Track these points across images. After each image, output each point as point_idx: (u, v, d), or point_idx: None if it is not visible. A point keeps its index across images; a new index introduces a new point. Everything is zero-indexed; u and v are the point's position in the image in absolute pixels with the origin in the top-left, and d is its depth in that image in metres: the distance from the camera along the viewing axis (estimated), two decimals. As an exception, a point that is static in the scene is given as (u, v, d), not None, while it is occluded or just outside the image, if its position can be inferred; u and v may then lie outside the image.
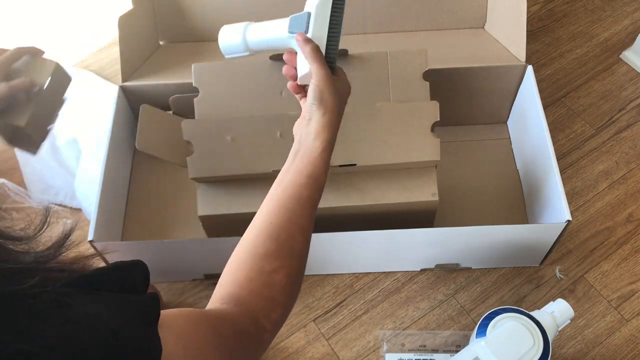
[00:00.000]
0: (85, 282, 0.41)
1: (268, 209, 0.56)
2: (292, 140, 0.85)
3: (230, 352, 0.46)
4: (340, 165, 0.86)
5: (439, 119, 0.86)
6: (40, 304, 0.36)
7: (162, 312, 0.42)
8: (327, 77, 0.61)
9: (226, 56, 0.74)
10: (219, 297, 0.52)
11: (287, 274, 0.53)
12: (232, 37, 0.72)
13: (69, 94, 0.79)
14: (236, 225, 0.90)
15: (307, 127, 0.61)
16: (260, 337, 0.50)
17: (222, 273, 0.54)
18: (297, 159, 0.59)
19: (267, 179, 0.87)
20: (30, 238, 0.40)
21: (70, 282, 0.40)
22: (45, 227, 0.42)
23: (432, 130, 0.86)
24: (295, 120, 0.85)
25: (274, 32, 0.70)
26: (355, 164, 0.86)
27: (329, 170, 0.60)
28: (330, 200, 0.88)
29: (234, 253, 0.55)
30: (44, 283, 0.37)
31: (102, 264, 0.48)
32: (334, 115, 0.61)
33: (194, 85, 0.90)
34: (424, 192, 0.87)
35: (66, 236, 0.42)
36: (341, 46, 0.91)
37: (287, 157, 0.74)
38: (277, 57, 0.91)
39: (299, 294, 0.56)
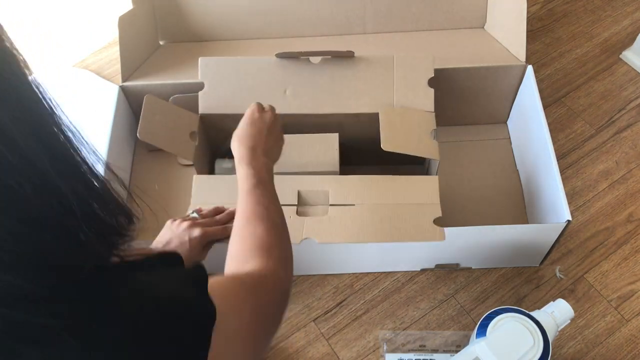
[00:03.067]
0: (133, 265, 0.44)
1: (236, 217, 0.68)
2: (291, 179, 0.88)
3: (261, 307, 0.54)
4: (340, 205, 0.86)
5: (436, 174, 0.88)
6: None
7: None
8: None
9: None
10: (231, 273, 0.60)
11: (263, 227, 0.64)
12: None
13: None
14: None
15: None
16: (280, 284, 0.59)
17: (224, 268, 0.62)
18: None
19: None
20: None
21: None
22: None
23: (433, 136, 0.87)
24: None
25: None
26: (353, 204, 0.87)
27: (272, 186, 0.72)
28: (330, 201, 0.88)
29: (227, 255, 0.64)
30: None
31: None
32: (243, 144, 0.74)
33: (200, 78, 0.90)
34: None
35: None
36: (342, 47, 0.91)
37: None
38: (283, 55, 0.91)
39: (289, 239, 0.67)
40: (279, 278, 0.60)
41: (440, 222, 0.84)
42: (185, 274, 0.48)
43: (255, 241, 0.62)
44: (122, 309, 0.39)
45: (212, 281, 0.48)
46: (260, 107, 0.79)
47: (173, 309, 0.42)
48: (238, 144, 0.74)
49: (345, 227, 0.84)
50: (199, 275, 0.48)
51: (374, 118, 0.90)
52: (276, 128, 0.78)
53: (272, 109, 0.80)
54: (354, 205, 0.85)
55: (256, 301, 0.53)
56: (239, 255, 0.62)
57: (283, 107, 0.88)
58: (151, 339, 0.39)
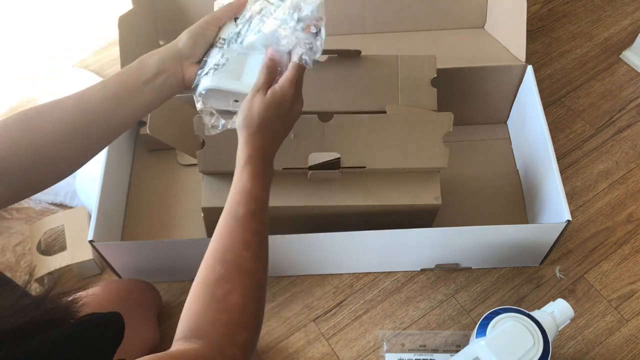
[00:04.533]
0: (49, 348, 0.39)
1: (214, 236, 0.57)
2: (305, 141, 0.85)
3: None
4: (350, 167, 0.86)
5: (451, 130, 0.86)
6: None
7: None
8: (252, 97, 0.62)
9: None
10: (181, 335, 0.51)
11: (241, 294, 0.52)
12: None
13: None
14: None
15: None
16: None
17: (183, 310, 0.53)
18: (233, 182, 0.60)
19: (275, 175, 0.87)
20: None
21: (31, 349, 0.38)
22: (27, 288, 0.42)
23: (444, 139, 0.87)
24: (311, 120, 0.82)
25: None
26: (364, 167, 0.86)
27: (266, 180, 0.60)
28: (334, 199, 0.88)
29: (191, 287, 0.54)
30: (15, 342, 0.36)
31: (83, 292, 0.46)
32: (257, 134, 0.61)
33: None
34: (427, 195, 0.88)
35: (47, 292, 0.42)
36: (345, 46, 0.91)
37: (299, 157, 0.74)
38: None
39: (263, 312, 0.54)
40: None
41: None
42: None
43: (222, 313, 0.50)
44: None
45: None
46: (299, 95, 0.63)
47: None
48: (247, 135, 0.60)
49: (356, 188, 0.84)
50: None
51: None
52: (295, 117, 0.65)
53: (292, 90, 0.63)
54: (364, 167, 0.85)
55: None
56: (193, 321, 0.50)
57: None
58: None
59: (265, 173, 0.61)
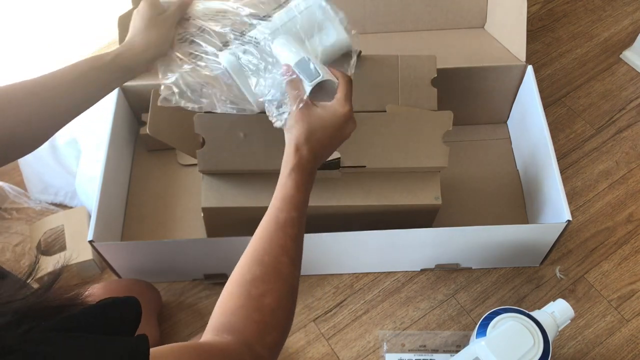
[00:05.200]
0: (72, 324, 0.40)
1: (254, 238, 0.58)
2: None
3: None
4: (350, 166, 0.86)
5: (451, 129, 0.86)
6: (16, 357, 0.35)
7: (153, 350, 0.42)
8: (305, 107, 0.62)
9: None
10: (212, 328, 0.52)
11: (276, 297, 0.53)
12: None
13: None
14: (237, 222, 0.90)
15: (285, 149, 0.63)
16: None
17: (215, 305, 0.54)
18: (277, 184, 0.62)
19: (274, 175, 0.87)
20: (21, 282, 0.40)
21: (54, 326, 0.39)
22: (33, 274, 0.42)
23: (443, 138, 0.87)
24: None
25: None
26: (364, 166, 0.86)
27: (307, 189, 0.62)
28: (335, 199, 0.88)
29: (226, 284, 0.55)
30: (24, 326, 0.37)
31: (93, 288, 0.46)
32: (305, 145, 0.62)
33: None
34: (428, 195, 0.88)
35: (53, 279, 0.42)
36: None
37: None
38: None
39: (293, 317, 0.56)
40: None
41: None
42: (123, 351, 0.41)
43: (255, 312, 0.52)
44: None
45: (158, 353, 0.42)
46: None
47: None
48: (296, 145, 0.61)
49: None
50: (139, 355, 0.41)
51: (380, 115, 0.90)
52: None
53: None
54: (364, 166, 0.85)
55: None
56: (225, 317, 0.52)
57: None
58: None
59: (308, 182, 0.62)
